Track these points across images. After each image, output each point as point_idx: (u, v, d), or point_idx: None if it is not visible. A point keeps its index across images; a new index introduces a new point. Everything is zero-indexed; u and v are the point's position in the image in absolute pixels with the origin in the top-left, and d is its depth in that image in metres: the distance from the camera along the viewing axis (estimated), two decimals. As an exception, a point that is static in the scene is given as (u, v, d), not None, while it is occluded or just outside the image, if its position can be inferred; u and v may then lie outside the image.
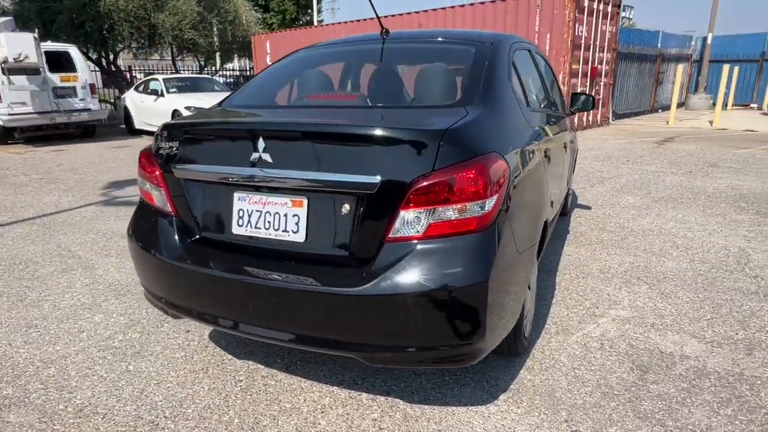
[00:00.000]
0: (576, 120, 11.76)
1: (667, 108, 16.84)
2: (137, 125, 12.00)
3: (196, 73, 19.36)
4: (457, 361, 1.69)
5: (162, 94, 11.10)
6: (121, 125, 12.93)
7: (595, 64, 12.05)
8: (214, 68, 24.88)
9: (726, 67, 12.15)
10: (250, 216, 1.86)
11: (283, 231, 1.80)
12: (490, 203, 1.61)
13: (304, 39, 16.91)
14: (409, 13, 13.74)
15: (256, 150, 1.76)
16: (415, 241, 1.62)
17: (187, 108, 10.22)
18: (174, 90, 11.25)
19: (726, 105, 16.01)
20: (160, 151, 2.04)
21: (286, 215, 1.79)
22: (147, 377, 2.27)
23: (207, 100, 10.56)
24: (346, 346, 1.70)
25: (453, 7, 12.73)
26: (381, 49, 2.47)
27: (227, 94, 12.32)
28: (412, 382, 2.20)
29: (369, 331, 1.65)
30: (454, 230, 1.60)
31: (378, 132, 1.63)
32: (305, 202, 1.76)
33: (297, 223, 1.78)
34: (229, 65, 27.44)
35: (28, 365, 2.38)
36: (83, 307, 2.98)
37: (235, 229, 1.89)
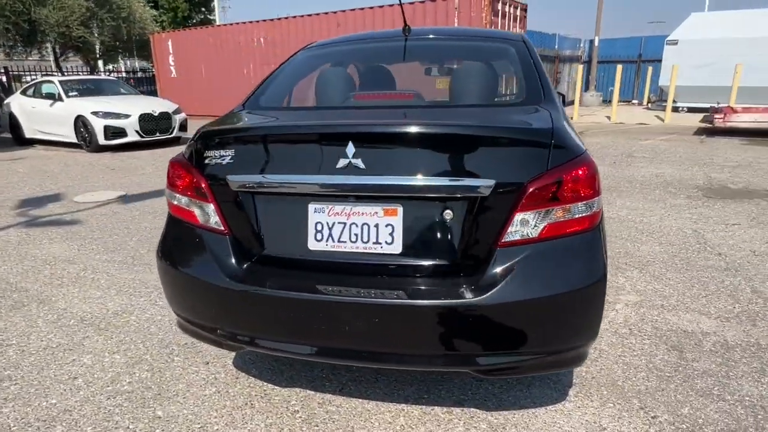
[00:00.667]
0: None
1: (565, 105, 18.33)
2: (28, 134, 10.55)
3: (86, 75, 17.49)
4: (569, 364, 1.66)
5: (60, 98, 9.86)
6: (6, 134, 11.31)
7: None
8: (106, 69, 22.71)
9: (619, 67, 13.46)
10: (331, 229, 1.67)
11: (374, 243, 1.64)
12: (598, 201, 1.60)
13: (212, 39, 16.02)
14: (326, 13, 13.55)
15: (344, 155, 1.59)
16: (532, 245, 1.56)
17: (95, 113, 9.19)
18: (74, 93, 10.04)
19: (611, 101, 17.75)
20: (206, 161, 1.77)
21: (377, 225, 1.64)
22: (186, 422, 1.97)
23: (117, 104, 9.59)
24: (460, 360, 1.59)
25: (372, 8, 12.77)
26: (415, 45, 2.38)
27: (140, 96, 11.32)
28: (478, 389, 2.13)
29: (487, 342, 1.56)
30: (569, 230, 1.56)
31: (490, 133, 1.54)
32: (400, 210, 1.61)
33: (391, 234, 1.63)
34: (113, 66, 25.22)
35: (23, 428, 1.96)
36: (61, 348, 2.53)
37: (312, 245, 1.70)
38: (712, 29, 13.62)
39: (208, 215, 1.79)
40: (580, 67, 15.20)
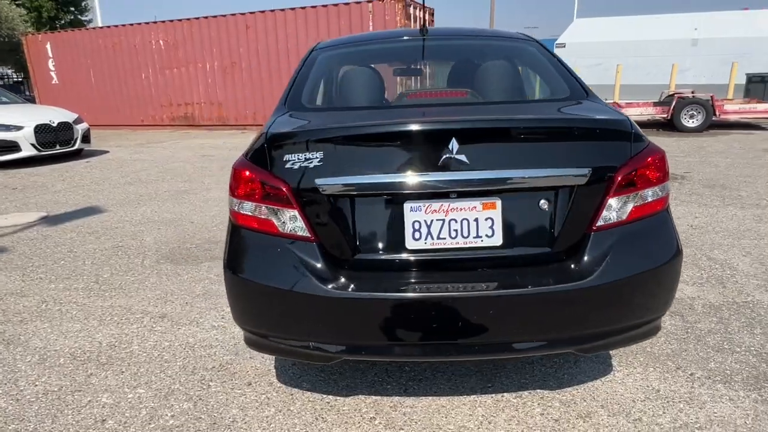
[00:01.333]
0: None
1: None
2: None
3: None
4: (650, 335, 1.81)
5: (-75, 111, 8.42)
6: None
7: (422, 67, 13.22)
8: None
9: None
10: (429, 227, 1.66)
11: (474, 237, 1.67)
12: (668, 184, 1.77)
13: (102, 41, 14.63)
14: (234, 15, 13.02)
15: (447, 152, 1.59)
16: (621, 227, 1.68)
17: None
18: (-56, 104, 8.63)
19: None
20: (287, 165, 1.67)
21: (477, 220, 1.66)
22: (262, 447, 1.84)
23: (4, 114, 8.42)
24: (566, 342, 1.67)
25: (284, 10, 12.51)
26: (439, 45, 2.42)
27: (28, 105, 9.94)
28: (534, 372, 2.23)
29: (589, 321, 1.65)
30: (650, 211, 1.71)
31: (582, 125, 1.64)
32: (499, 203, 1.66)
33: (491, 227, 1.66)
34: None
35: (71, 483, 1.69)
36: (66, 390, 2.21)
37: (411, 244, 1.67)
38: (595, 33, 15.24)
39: (291, 222, 1.69)
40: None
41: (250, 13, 12.87)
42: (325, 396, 2.12)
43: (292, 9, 12.45)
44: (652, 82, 13.89)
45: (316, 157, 1.65)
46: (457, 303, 1.59)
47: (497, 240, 1.67)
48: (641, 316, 1.71)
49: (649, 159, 1.68)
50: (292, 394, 2.14)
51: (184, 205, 5.51)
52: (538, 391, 2.11)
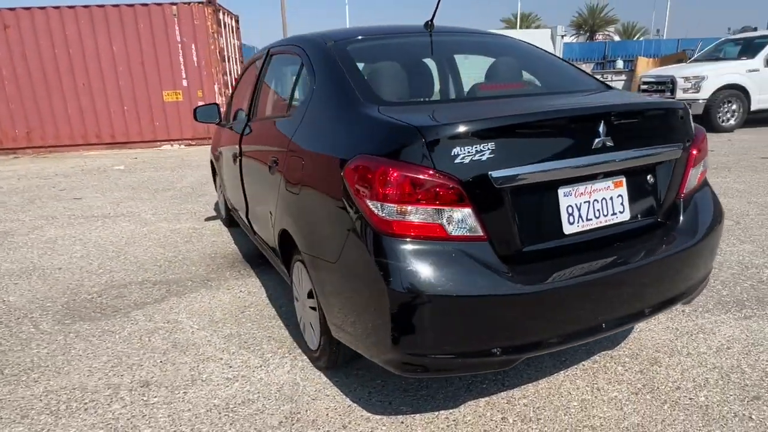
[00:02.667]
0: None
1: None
2: None
3: None
4: (704, 287, 2.15)
5: None
6: None
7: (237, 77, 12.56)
8: None
9: None
10: (579, 209, 1.71)
11: (611, 215, 1.78)
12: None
13: None
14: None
15: (597, 135, 1.66)
16: (695, 193, 2.00)
17: None
18: None
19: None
20: (456, 160, 1.50)
21: (612, 198, 1.77)
22: (434, 482, 1.62)
23: None
24: (679, 296, 1.90)
25: (58, 7, 10.41)
26: (464, 41, 2.44)
27: None
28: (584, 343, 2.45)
29: (691, 276, 1.93)
30: (703, 178, 2.08)
31: (672, 107, 1.90)
32: (624, 180, 1.80)
33: (622, 203, 1.80)
34: None
35: None
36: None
37: (567, 229, 1.69)
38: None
39: (462, 222, 1.53)
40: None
41: (9, 9, 10.33)
42: (434, 413, 1.96)
43: (71, 7, 10.44)
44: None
45: (487, 149, 1.54)
46: (618, 279, 1.69)
47: (626, 215, 1.82)
48: (707, 270, 2.06)
49: (702, 135, 2.04)
50: (403, 422, 1.92)
51: (22, 249, 4.22)
52: (604, 353, 2.33)
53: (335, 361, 2.14)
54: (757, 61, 9.77)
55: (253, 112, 3.05)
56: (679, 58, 16.26)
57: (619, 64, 19.63)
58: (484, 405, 1.99)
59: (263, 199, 2.66)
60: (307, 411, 2.00)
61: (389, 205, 1.52)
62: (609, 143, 1.70)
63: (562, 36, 16.89)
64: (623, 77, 17.02)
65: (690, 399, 1.97)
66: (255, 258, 3.80)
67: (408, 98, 2.03)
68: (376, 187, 1.53)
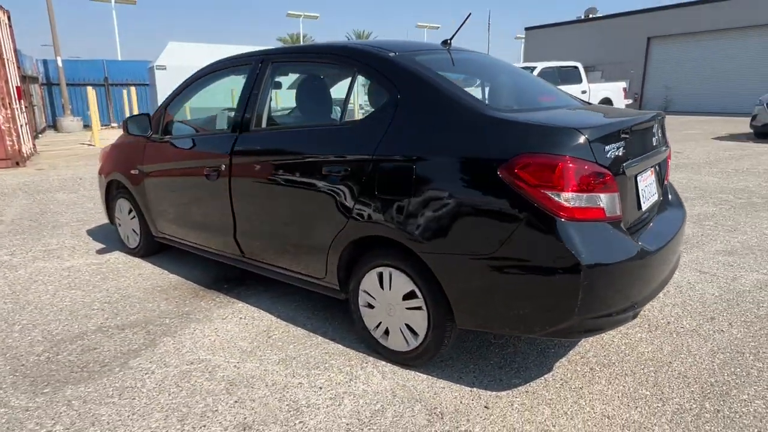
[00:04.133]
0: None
1: (41, 131, 16.04)
2: None
3: None
4: None
5: None
6: None
7: (17, 84, 10.21)
8: None
9: (92, 90, 13.19)
10: (645, 191, 2.23)
11: (652, 195, 2.36)
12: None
13: None
14: None
15: (655, 136, 2.22)
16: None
17: None
18: None
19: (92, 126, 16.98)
20: (607, 155, 1.86)
21: (652, 183, 2.36)
22: (599, 424, 1.93)
23: None
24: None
25: None
26: (481, 60, 2.76)
27: None
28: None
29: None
30: None
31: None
32: (653, 170, 2.41)
33: (655, 187, 2.40)
34: None
35: None
36: None
37: (643, 206, 2.20)
38: (194, 57, 15.65)
39: (614, 205, 1.90)
40: (92, 90, 13.62)
41: None
42: (543, 377, 2.26)
43: None
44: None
45: (621, 146, 1.94)
46: (676, 238, 2.28)
47: (657, 196, 2.43)
48: None
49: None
50: (527, 390, 2.17)
51: None
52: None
53: (435, 353, 2.25)
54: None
55: (247, 123, 2.82)
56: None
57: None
58: (567, 363, 2.38)
59: (291, 213, 2.55)
60: (441, 404, 2.08)
61: (568, 193, 1.80)
62: (655, 143, 2.29)
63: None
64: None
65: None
66: (217, 283, 3.43)
67: (503, 106, 2.29)
68: (557, 179, 1.78)
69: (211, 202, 3.05)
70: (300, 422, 1.99)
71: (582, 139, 1.84)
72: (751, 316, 2.81)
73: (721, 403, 2.06)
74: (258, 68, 2.86)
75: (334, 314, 2.93)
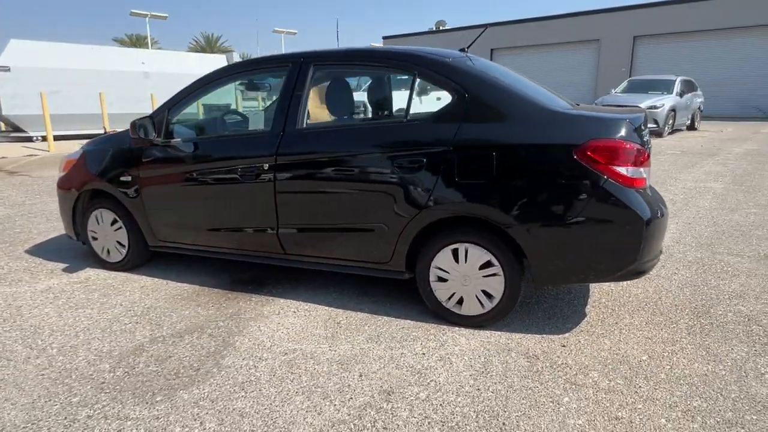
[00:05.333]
0: None
1: None
2: None
3: None
4: None
5: None
6: None
7: None
8: None
9: None
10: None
11: (640, 171, 3.08)
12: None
13: None
14: None
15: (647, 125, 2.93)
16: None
17: None
18: None
19: None
20: (642, 138, 2.46)
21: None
22: (648, 343, 2.54)
23: None
24: None
25: None
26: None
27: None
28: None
29: None
30: None
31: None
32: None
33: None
34: None
35: None
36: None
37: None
38: (50, 58, 13.73)
39: (648, 175, 2.51)
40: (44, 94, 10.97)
41: None
42: (571, 325, 2.83)
43: None
44: (96, 112, 14.06)
45: (644, 133, 2.57)
46: None
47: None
48: None
49: None
50: (567, 337, 2.71)
51: None
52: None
53: (509, 312, 2.68)
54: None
55: (292, 122, 2.94)
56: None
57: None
58: (593, 309, 2.98)
59: (354, 205, 2.80)
60: (528, 349, 2.51)
61: (630, 167, 2.36)
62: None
63: (239, 62, 17.86)
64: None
65: (649, 274, 3.52)
66: (238, 285, 3.41)
67: (550, 105, 2.77)
68: (620, 157, 2.34)
69: (245, 202, 3.08)
70: (430, 380, 2.26)
71: (631, 128, 2.43)
72: (685, 262, 3.75)
73: (709, 317, 2.83)
74: (299, 70, 2.99)
75: (380, 297, 3.17)
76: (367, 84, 3.39)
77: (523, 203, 2.47)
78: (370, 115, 3.10)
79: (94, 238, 3.76)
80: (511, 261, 2.58)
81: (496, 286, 2.64)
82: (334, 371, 2.35)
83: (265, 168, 2.97)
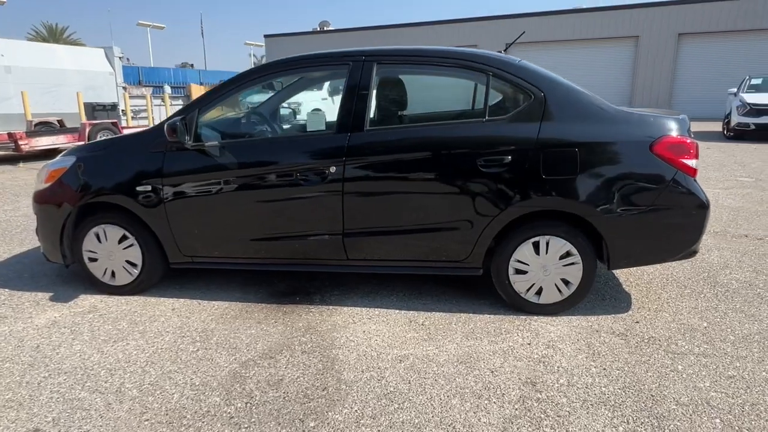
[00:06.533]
0: None
1: None
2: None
3: None
4: None
5: None
6: None
7: None
8: None
9: None
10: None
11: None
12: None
13: None
14: None
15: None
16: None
17: None
18: None
19: None
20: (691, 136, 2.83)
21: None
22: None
23: None
24: None
25: None
26: None
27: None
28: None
29: None
30: None
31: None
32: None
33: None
34: None
35: None
36: (711, 413, 2.04)
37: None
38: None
39: (696, 165, 2.90)
40: None
41: None
42: (634, 304, 3.16)
43: None
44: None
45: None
46: None
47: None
48: None
49: None
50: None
51: None
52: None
53: (584, 297, 2.90)
54: (324, 92, 13.29)
55: (359, 123, 2.83)
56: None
57: (167, 89, 20.30)
58: (634, 287, 3.33)
59: (431, 206, 2.81)
60: (612, 328, 2.75)
61: (693, 160, 2.70)
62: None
63: (120, 57, 16.08)
64: (180, 102, 17.98)
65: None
66: (284, 297, 3.18)
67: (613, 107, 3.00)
68: (691, 151, 2.66)
69: (304, 208, 2.90)
70: (557, 367, 2.38)
71: (687, 126, 2.79)
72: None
73: (720, 285, 3.33)
74: (361, 68, 2.89)
75: (439, 296, 3.18)
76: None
77: (604, 195, 2.69)
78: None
79: (93, 260, 3.22)
80: (588, 249, 2.80)
81: (575, 273, 2.83)
82: (463, 371, 2.35)
83: (332, 171, 2.83)
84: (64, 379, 2.30)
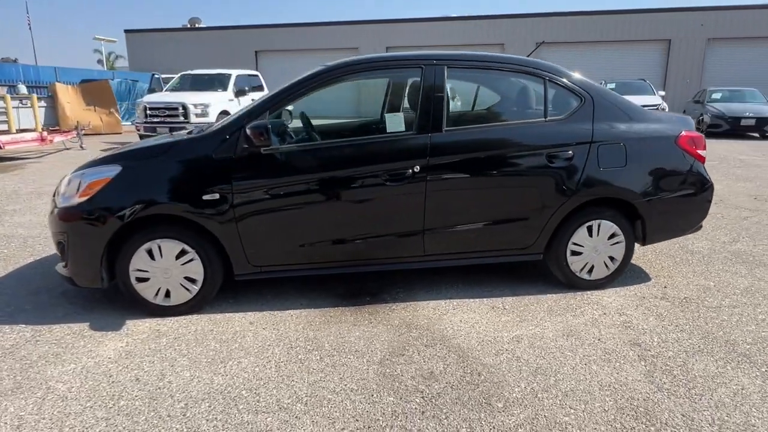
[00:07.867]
0: None
1: None
2: None
3: None
4: None
5: None
6: None
7: None
8: None
9: None
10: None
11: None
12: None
13: None
14: None
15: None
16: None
17: None
18: None
19: None
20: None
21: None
22: (700, 275, 3.61)
23: None
24: None
25: None
26: None
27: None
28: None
29: None
30: None
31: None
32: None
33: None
34: None
35: None
36: None
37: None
38: None
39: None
40: None
41: None
42: (660, 279, 3.74)
43: None
44: None
45: (688, 125, 3.58)
46: None
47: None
48: None
49: None
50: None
51: None
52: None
53: (624, 270, 3.39)
54: (230, 92, 12.69)
55: (437, 124, 2.97)
56: (104, 86, 16.86)
57: (22, 89, 17.37)
58: (656, 260, 3.93)
59: (505, 199, 3.07)
60: (655, 297, 3.27)
61: (703, 150, 3.32)
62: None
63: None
64: (44, 104, 15.65)
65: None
66: (351, 299, 3.18)
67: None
68: (702, 142, 3.27)
69: (387, 208, 2.97)
70: (641, 330, 2.79)
71: (694, 124, 3.42)
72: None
73: (718, 253, 4.08)
74: (434, 72, 3.02)
75: (499, 281, 3.44)
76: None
77: (645, 182, 3.19)
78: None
79: (142, 279, 2.88)
80: (629, 230, 3.28)
81: (619, 251, 3.30)
82: (576, 343, 2.65)
83: (416, 170, 2.93)
84: (210, 406, 2.11)
